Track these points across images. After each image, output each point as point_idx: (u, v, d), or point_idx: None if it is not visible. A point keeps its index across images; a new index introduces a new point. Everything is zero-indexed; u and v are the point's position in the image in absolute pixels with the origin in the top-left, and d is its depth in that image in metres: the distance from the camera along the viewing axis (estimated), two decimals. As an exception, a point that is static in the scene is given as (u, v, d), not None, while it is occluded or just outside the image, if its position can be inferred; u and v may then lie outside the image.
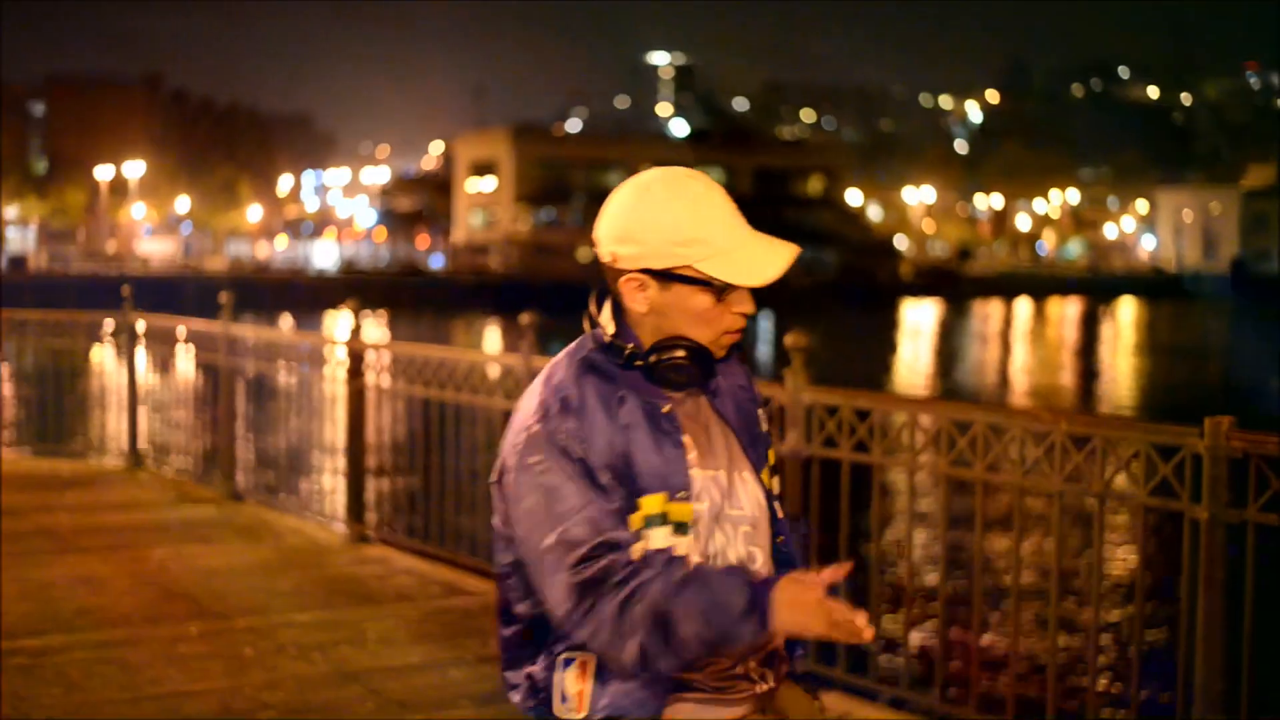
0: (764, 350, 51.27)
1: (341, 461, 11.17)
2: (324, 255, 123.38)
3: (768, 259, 3.04)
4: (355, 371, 10.94)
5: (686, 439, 3.07)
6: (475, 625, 8.52)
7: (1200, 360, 55.01)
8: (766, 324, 61.42)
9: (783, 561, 3.20)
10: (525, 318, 9.23)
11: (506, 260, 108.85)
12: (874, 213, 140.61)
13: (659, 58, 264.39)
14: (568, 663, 3.04)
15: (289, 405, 12.27)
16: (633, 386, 3.06)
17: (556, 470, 2.98)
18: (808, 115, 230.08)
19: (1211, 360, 56.18)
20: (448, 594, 9.26)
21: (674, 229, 3.01)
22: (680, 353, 3.05)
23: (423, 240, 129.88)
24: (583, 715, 3.02)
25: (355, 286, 69.38)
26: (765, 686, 3.12)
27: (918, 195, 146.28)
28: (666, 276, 3.02)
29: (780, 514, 3.23)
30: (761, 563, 3.14)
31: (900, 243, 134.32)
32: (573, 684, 3.03)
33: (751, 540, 3.12)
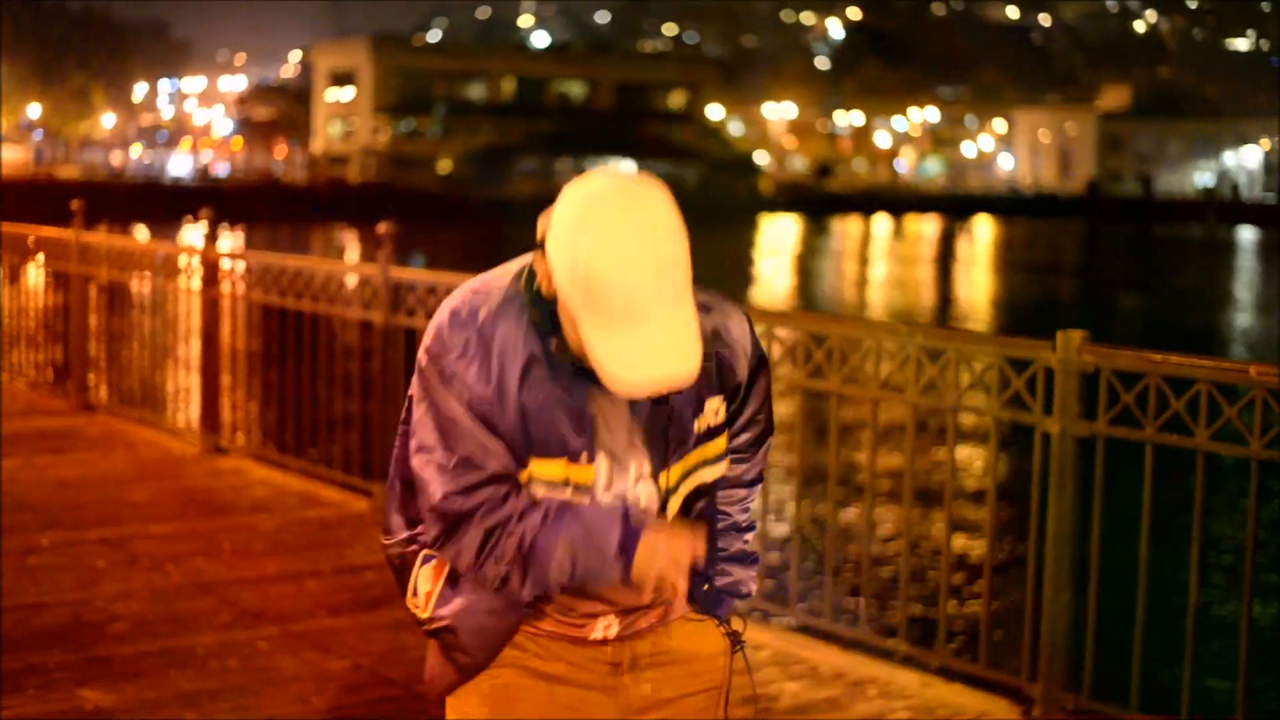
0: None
1: (196, 372, 11.04)
2: (179, 164, 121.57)
3: (638, 364, 2.66)
4: (210, 280, 10.80)
5: (593, 409, 2.86)
6: (332, 536, 8.48)
7: (1055, 278, 55.75)
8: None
9: (712, 561, 3.09)
10: (383, 227, 9.15)
11: (365, 171, 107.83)
12: (735, 128, 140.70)
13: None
14: (427, 559, 2.99)
15: (143, 315, 12.10)
16: (544, 345, 2.83)
17: (454, 404, 2.82)
18: (670, 29, 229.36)
19: (1065, 278, 56.96)
20: (304, 505, 9.21)
21: (575, 259, 2.66)
22: (568, 358, 2.82)
23: (280, 150, 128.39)
24: (425, 615, 2.98)
25: (211, 195, 68.39)
26: (603, 635, 3.02)
27: (779, 111, 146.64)
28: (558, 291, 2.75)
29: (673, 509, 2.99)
30: None
31: (761, 158, 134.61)
32: (424, 582, 2.98)
33: None
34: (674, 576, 2.79)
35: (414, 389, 2.93)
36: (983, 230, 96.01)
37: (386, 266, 9.06)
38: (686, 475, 2.96)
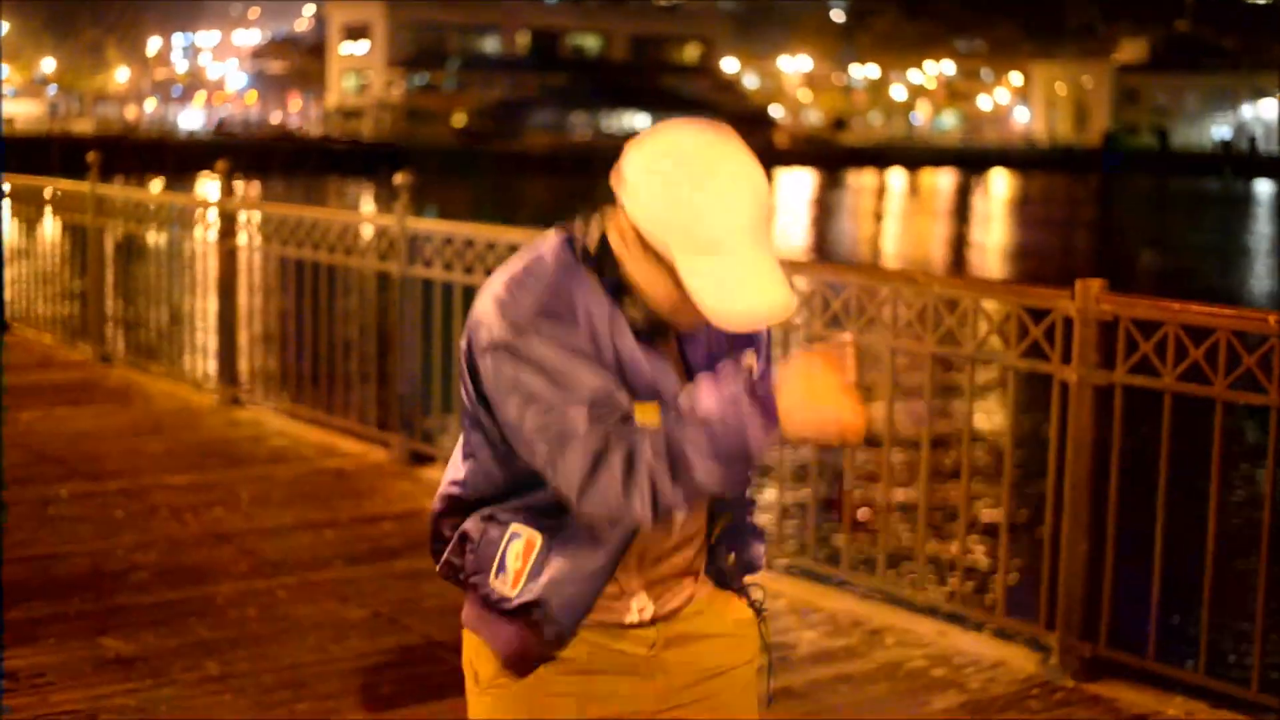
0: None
1: (213, 324, 11.06)
2: (192, 118, 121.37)
3: (746, 295, 2.71)
4: (227, 232, 10.80)
5: (665, 364, 2.89)
6: (349, 486, 8.51)
7: (1071, 231, 55.61)
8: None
9: (732, 535, 3.09)
10: (400, 177, 9.15)
11: (379, 125, 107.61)
12: (750, 81, 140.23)
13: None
14: (515, 536, 2.92)
15: (159, 267, 12.11)
16: (617, 304, 2.85)
17: (557, 352, 2.77)
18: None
19: (1082, 231, 56.81)
20: (322, 456, 9.23)
21: (678, 205, 2.71)
22: (635, 314, 2.84)
23: (294, 104, 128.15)
24: (514, 592, 2.92)
25: (226, 149, 68.36)
26: (639, 618, 3.01)
27: (794, 64, 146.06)
28: (644, 240, 2.77)
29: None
30: (693, 524, 3.01)
31: (776, 111, 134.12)
32: (514, 560, 2.92)
33: None
34: (836, 406, 2.70)
35: (497, 381, 2.82)
36: (999, 184, 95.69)
37: (404, 217, 9.05)
38: None
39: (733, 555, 3.10)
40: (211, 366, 11.10)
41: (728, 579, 3.11)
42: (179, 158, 73.12)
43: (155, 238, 12.16)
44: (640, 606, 3.00)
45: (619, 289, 2.83)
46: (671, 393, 2.84)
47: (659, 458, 2.72)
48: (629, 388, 2.82)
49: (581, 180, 67.80)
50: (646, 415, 2.80)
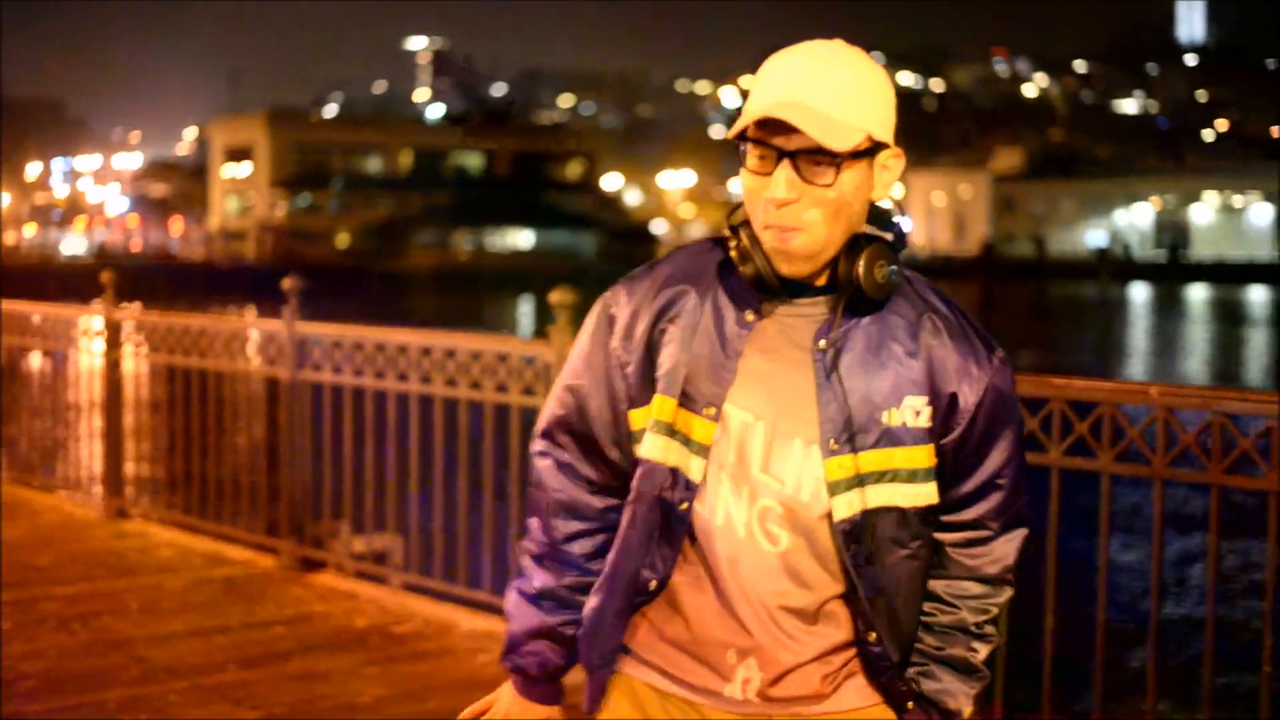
0: (526, 320, 51.48)
1: (98, 437, 10.94)
2: (73, 243, 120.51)
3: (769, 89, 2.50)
4: (112, 342, 10.72)
5: (744, 362, 2.57)
6: (240, 593, 8.42)
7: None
8: (527, 306, 61.58)
9: (868, 586, 2.57)
10: (288, 282, 9.14)
11: (262, 246, 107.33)
12: (632, 197, 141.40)
13: (416, 42, 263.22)
14: None
15: (42, 380, 11.98)
16: (729, 283, 2.60)
17: (589, 323, 2.74)
18: (566, 100, 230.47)
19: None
20: (210, 564, 9.14)
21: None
22: (729, 237, 2.59)
23: (177, 227, 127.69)
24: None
25: (109, 270, 67.69)
26: (743, 693, 2.60)
27: (676, 179, 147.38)
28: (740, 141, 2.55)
29: (847, 516, 2.53)
30: (796, 551, 2.56)
31: (658, 226, 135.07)
32: None
33: (779, 521, 2.55)
34: None
35: None
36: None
37: (292, 321, 9.03)
38: (879, 478, 2.56)
39: (889, 673, 2.65)
40: (98, 479, 10.96)
41: (890, 699, 2.67)
42: (60, 282, 72.43)
43: (38, 350, 12.03)
44: (745, 676, 2.60)
45: (743, 261, 2.56)
46: (711, 397, 2.56)
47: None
48: (656, 378, 2.63)
49: (467, 297, 68.11)
50: (659, 411, 2.61)
